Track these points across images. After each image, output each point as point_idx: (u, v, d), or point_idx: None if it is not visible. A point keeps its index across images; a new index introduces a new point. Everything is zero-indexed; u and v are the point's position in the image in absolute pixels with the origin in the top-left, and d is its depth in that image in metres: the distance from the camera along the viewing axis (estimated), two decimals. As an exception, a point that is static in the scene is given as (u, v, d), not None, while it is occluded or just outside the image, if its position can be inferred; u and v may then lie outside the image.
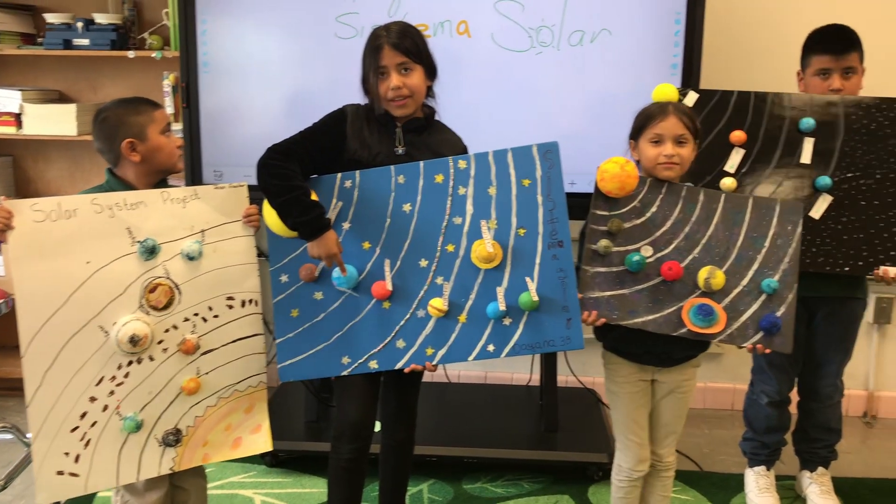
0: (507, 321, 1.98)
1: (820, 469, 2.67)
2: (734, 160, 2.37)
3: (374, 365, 2.02)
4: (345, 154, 2.04)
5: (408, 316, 2.01)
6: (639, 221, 2.04)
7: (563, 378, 3.31)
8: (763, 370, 2.59)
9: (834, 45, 2.39)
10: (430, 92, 2.14)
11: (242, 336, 2.01)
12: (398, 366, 2.01)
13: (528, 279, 1.98)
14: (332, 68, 2.79)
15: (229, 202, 2.00)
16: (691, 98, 2.39)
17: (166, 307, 1.92)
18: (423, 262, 2.01)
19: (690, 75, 2.70)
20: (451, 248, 2.01)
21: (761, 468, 2.68)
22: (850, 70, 2.39)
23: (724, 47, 3.09)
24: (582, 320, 1.99)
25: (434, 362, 2.01)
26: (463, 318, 2.00)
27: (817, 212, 2.32)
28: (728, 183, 2.34)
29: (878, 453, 3.11)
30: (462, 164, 2.02)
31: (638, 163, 2.12)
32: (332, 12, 2.78)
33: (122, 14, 3.30)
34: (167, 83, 3.24)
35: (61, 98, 3.45)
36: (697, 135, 2.08)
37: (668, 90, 2.21)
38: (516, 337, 1.98)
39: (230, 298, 2.00)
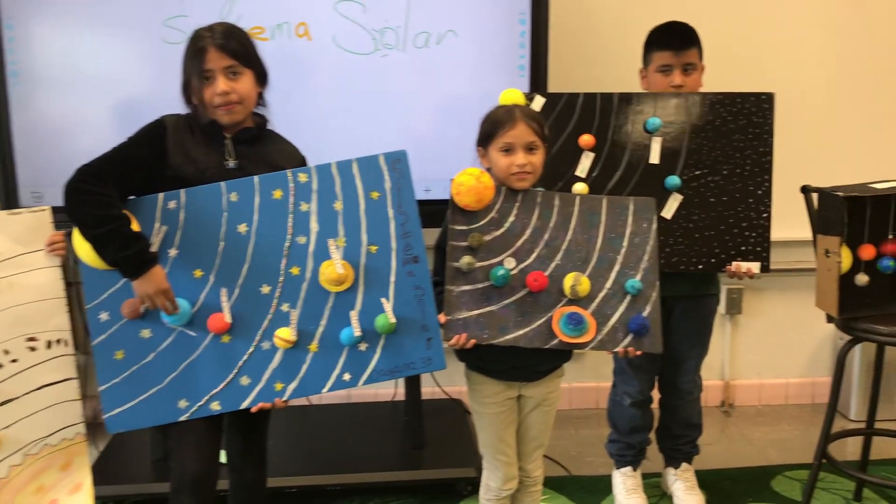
0: (362, 347, 1.82)
1: (683, 465, 2.66)
2: (585, 164, 2.30)
3: (216, 407, 1.78)
4: (167, 171, 1.79)
5: (251, 350, 1.79)
6: (499, 233, 1.92)
7: (430, 390, 3.19)
8: (624, 371, 2.56)
9: (674, 41, 2.37)
10: (260, 99, 1.94)
11: (51, 382, 1.75)
12: (244, 405, 1.78)
13: (383, 300, 1.81)
14: (162, 75, 2.48)
15: (28, 229, 1.73)
16: (538, 102, 2.30)
17: (-49, 351, 1.60)
18: (266, 289, 1.80)
19: (538, 77, 2.61)
20: (295, 270, 1.81)
21: (628, 469, 2.65)
22: (691, 66, 2.37)
23: (571, 48, 3.04)
24: (451, 345, 1.85)
25: (284, 398, 1.79)
26: (314, 346, 1.80)
27: (669, 212, 2.28)
28: (580, 188, 2.26)
29: (736, 442, 3.16)
30: (303, 177, 1.82)
31: (489, 170, 2.02)
32: (159, 16, 2.50)
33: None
34: (-29, 96, 2.87)
35: None
36: (546, 139, 1.99)
37: (514, 95, 2.11)
38: (374, 363, 1.82)
39: (32, 339, 1.73)
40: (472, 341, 1.86)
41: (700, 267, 2.28)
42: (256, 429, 2.06)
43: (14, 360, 1.72)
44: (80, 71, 2.54)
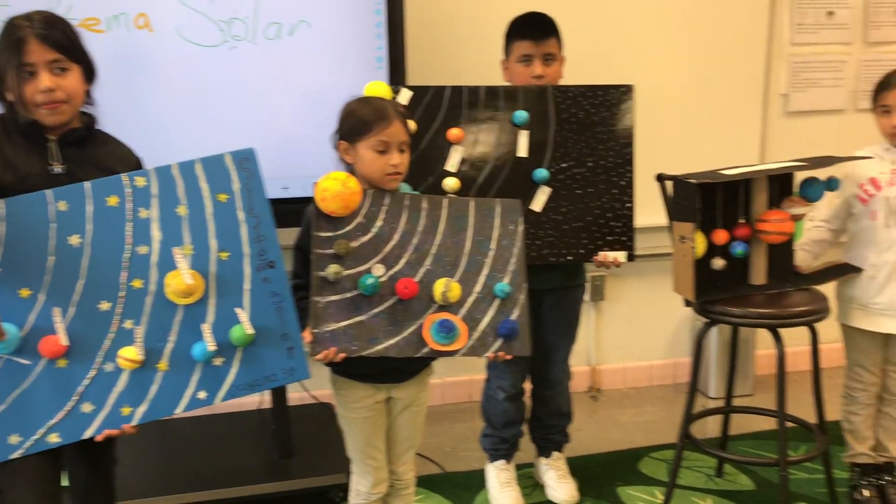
0: (218, 361, 1.70)
1: (555, 454, 2.70)
2: (454, 159, 2.27)
3: (54, 439, 1.62)
4: None
5: (92, 373, 1.64)
6: (366, 238, 1.84)
7: (297, 395, 3.10)
8: (497, 365, 2.55)
9: (533, 31, 2.37)
10: (88, 97, 1.78)
11: None
12: (87, 434, 1.63)
13: (238, 310, 1.70)
14: None
15: None
16: (405, 96, 2.25)
17: None
18: (105, 305, 1.65)
19: (397, 69, 2.55)
20: (138, 283, 1.67)
21: (501, 462, 2.66)
22: (551, 56, 2.38)
23: (429, 38, 3.00)
24: (319, 360, 1.76)
25: (133, 423, 1.66)
26: (163, 365, 1.67)
27: (538, 204, 2.30)
28: (451, 183, 2.24)
29: (604, 425, 3.24)
30: (140, 181, 1.67)
31: (350, 166, 1.95)
32: None
33: None
34: None
35: None
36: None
37: (380, 88, 2.05)
38: (231, 378, 1.71)
39: None
40: (342, 355, 1.78)
41: (570, 258, 2.31)
42: (102, 458, 1.92)
43: None
44: None
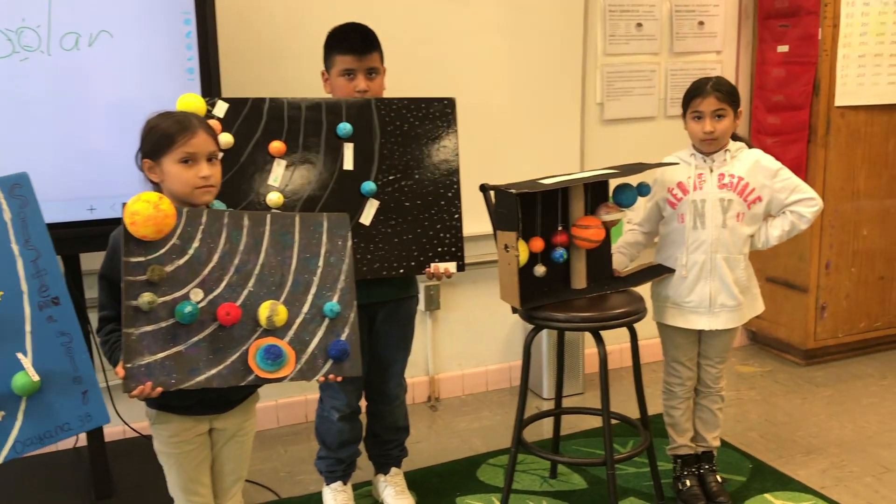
0: None
1: (393, 469, 2.70)
2: (277, 172, 2.23)
3: None
4: None
5: None
6: (182, 262, 1.75)
7: (116, 430, 2.93)
8: (330, 385, 2.50)
9: (355, 45, 2.36)
10: None
11: None
12: None
13: (19, 355, 1.56)
14: None
15: None
16: (221, 108, 2.19)
17: None
18: None
19: (210, 80, 2.46)
20: None
21: (338, 484, 2.62)
22: (374, 70, 2.38)
23: (245, 48, 2.93)
24: (134, 396, 1.67)
25: None
26: None
27: (367, 218, 2.30)
28: (275, 198, 2.20)
29: (443, 436, 3.27)
30: None
31: (158, 185, 1.86)
32: None
33: None
34: None
35: None
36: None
37: (193, 101, 2.00)
38: (15, 432, 1.56)
39: None
40: (159, 389, 1.70)
41: (401, 271, 2.33)
42: None
43: None
44: None
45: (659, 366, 3.94)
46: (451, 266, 2.37)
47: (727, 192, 2.46)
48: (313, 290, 1.88)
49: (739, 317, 2.54)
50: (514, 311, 2.46)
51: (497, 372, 3.73)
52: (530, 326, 2.48)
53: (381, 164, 2.33)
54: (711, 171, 2.49)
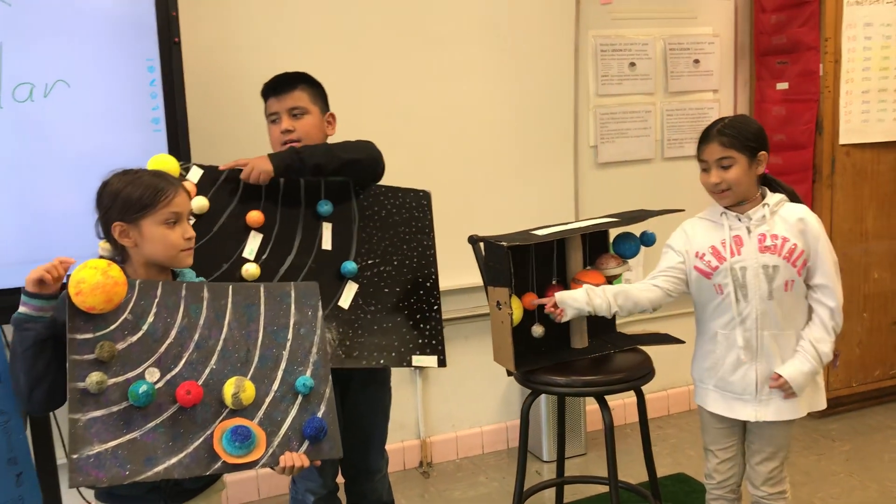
0: None
1: (379, 549, 2.50)
2: (252, 245, 2.11)
3: None
4: None
5: None
6: (135, 338, 1.60)
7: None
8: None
9: (276, 87, 2.27)
10: None
11: None
12: None
13: None
14: None
15: None
16: (195, 174, 2.07)
17: None
18: None
19: (178, 131, 2.34)
20: None
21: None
22: (298, 110, 2.25)
23: (210, 97, 2.79)
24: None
25: None
26: None
27: (346, 301, 2.17)
28: (251, 270, 2.07)
29: (436, 502, 3.08)
30: None
31: (122, 252, 1.72)
32: None
33: None
34: None
35: None
36: None
37: (166, 162, 1.90)
38: None
39: None
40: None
41: (381, 362, 2.17)
42: None
43: None
44: None
45: (665, 421, 3.78)
46: (431, 360, 2.20)
47: (771, 256, 2.07)
48: (283, 364, 1.73)
49: (794, 407, 2.12)
50: (510, 373, 2.28)
51: (493, 433, 3.53)
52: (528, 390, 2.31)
53: (359, 248, 2.22)
54: (749, 231, 2.10)
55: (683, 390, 3.72)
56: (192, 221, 1.88)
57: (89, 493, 1.79)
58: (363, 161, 2.21)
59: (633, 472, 2.54)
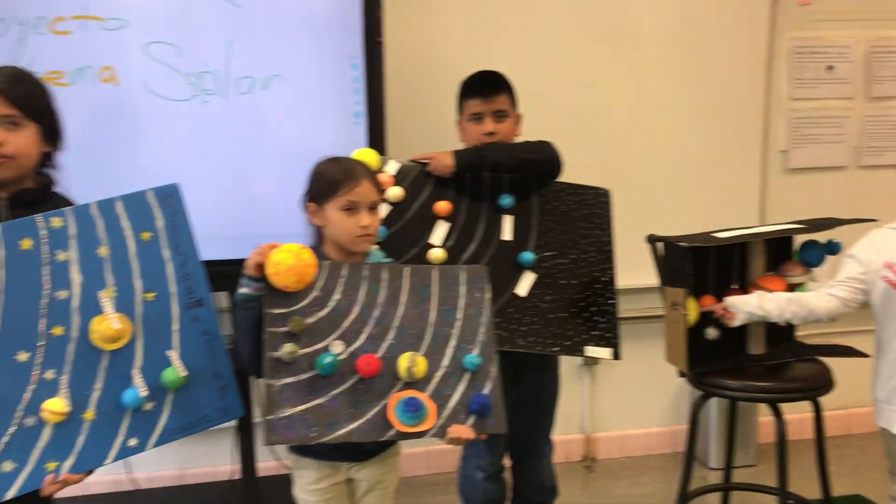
0: (148, 406, 1.65)
1: (542, 532, 2.56)
2: (439, 232, 2.21)
3: None
4: None
5: (12, 429, 1.54)
6: (323, 313, 1.73)
7: (268, 465, 2.95)
8: (474, 442, 2.41)
9: (482, 88, 2.32)
10: (49, 160, 1.72)
11: None
12: (9, 495, 1.54)
13: (170, 353, 1.66)
14: None
15: None
16: (392, 166, 2.20)
17: None
18: (23, 356, 1.56)
19: (377, 125, 2.48)
20: (58, 331, 1.59)
21: (485, 543, 2.51)
22: (502, 113, 2.32)
23: (409, 92, 2.92)
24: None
25: (60, 477, 1.57)
26: (90, 414, 1.60)
27: (523, 289, 2.22)
28: (437, 254, 2.18)
29: (598, 499, 3.07)
30: (56, 222, 1.59)
31: (319, 229, 1.86)
32: None
33: None
34: None
35: None
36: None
37: (368, 155, 2.02)
38: (163, 422, 1.67)
39: None
40: None
41: (556, 349, 2.21)
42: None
43: None
44: None
45: (845, 441, 3.56)
46: (606, 352, 2.22)
47: None
48: (453, 342, 1.80)
49: None
50: (681, 374, 2.26)
51: (659, 435, 3.48)
52: (699, 392, 2.28)
53: (538, 240, 2.27)
54: None
55: (868, 410, 3.50)
56: (385, 210, 1.98)
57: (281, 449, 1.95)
58: (538, 161, 2.25)
59: (805, 488, 2.43)
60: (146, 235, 1.67)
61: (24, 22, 2.26)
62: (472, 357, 1.79)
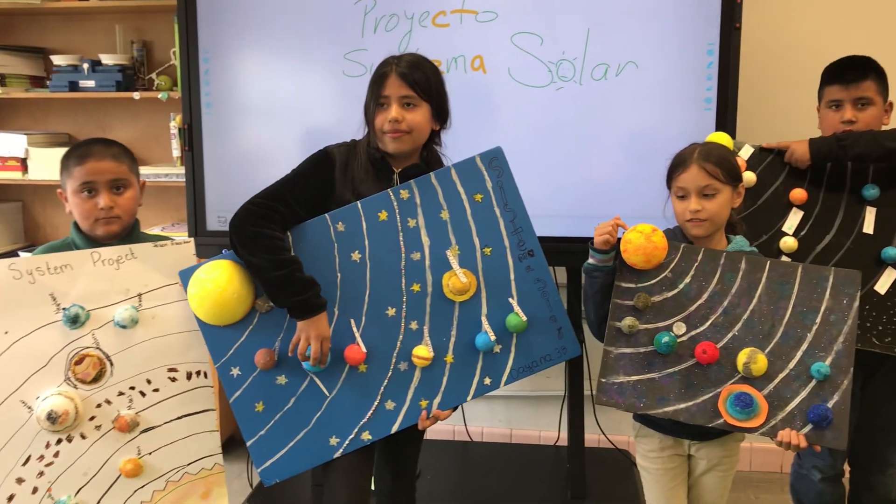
0: (497, 349, 1.80)
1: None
2: (792, 221, 2.10)
3: (366, 437, 1.77)
4: (331, 205, 1.78)
5: (389, 373, 1.77)
6: (670, 294, 1.75)
7: (595, 437, 3.04)
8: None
9: (845, 74, 2.12)
10: (436, 138, 1.89)
11: (190, 412, 1.75)
12: (394, 429, 1.77)
13: (511, 300, 1.79)
14: (340, 107, 2.53)
15: (172, 261, 1.74)
16: (746, 151, 2.13)
17: (96, 380, 1.69)
18: (391, 311, 1.77)
19: (726, 111, 2.37)
20: (416, 287, 1.78)
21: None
22: (865, 100, 2.10)
23: (760, 79, 2.77)
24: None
25: (431, 413, 1.78)
26: (449, 358, 1.79)
27: (883, 286, 2.03)
28: (789, 243, 2.07)
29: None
30: (404, 194, 1.77)
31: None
32: (339, 49, 2.52)
33: (130, 54, 3.11)
34: (174, 125, 3.08)
35: (70, 141, 3.26)
36: (733, 181, 1.79)
37: (722, 138, 1.99)
38: (510, 362, 1.81)
39: (173, 370, 1.74)
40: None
41: None
42: (406, 468, 2.04)
43: (156, 390, 1.74)
44: (262, 101, 2.61)
45: None
46: None
47: None
48: (804, 346, 1.70)
49: None
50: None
51: None
52: None
53: None
54: None
55: None
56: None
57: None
58: None
59: None
60: (478, 197, 1.80)
61: (411, 16, 2.52)
62: (821, 365, 1.68)
